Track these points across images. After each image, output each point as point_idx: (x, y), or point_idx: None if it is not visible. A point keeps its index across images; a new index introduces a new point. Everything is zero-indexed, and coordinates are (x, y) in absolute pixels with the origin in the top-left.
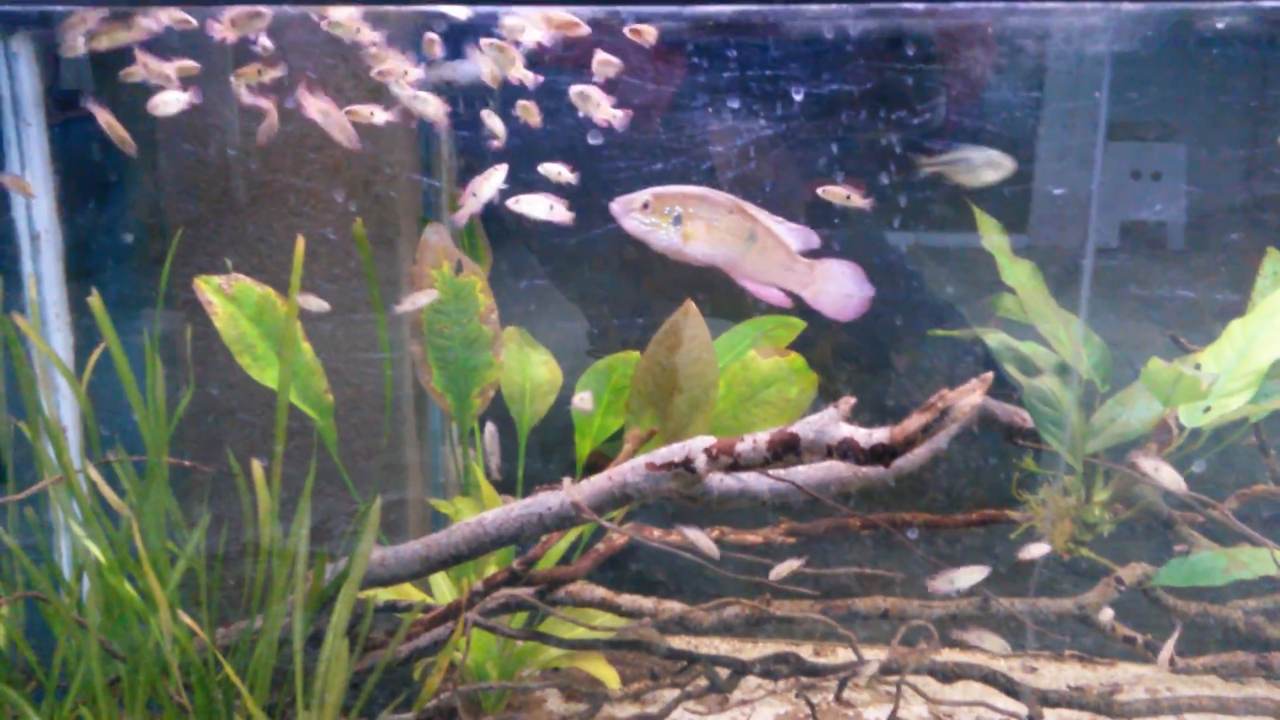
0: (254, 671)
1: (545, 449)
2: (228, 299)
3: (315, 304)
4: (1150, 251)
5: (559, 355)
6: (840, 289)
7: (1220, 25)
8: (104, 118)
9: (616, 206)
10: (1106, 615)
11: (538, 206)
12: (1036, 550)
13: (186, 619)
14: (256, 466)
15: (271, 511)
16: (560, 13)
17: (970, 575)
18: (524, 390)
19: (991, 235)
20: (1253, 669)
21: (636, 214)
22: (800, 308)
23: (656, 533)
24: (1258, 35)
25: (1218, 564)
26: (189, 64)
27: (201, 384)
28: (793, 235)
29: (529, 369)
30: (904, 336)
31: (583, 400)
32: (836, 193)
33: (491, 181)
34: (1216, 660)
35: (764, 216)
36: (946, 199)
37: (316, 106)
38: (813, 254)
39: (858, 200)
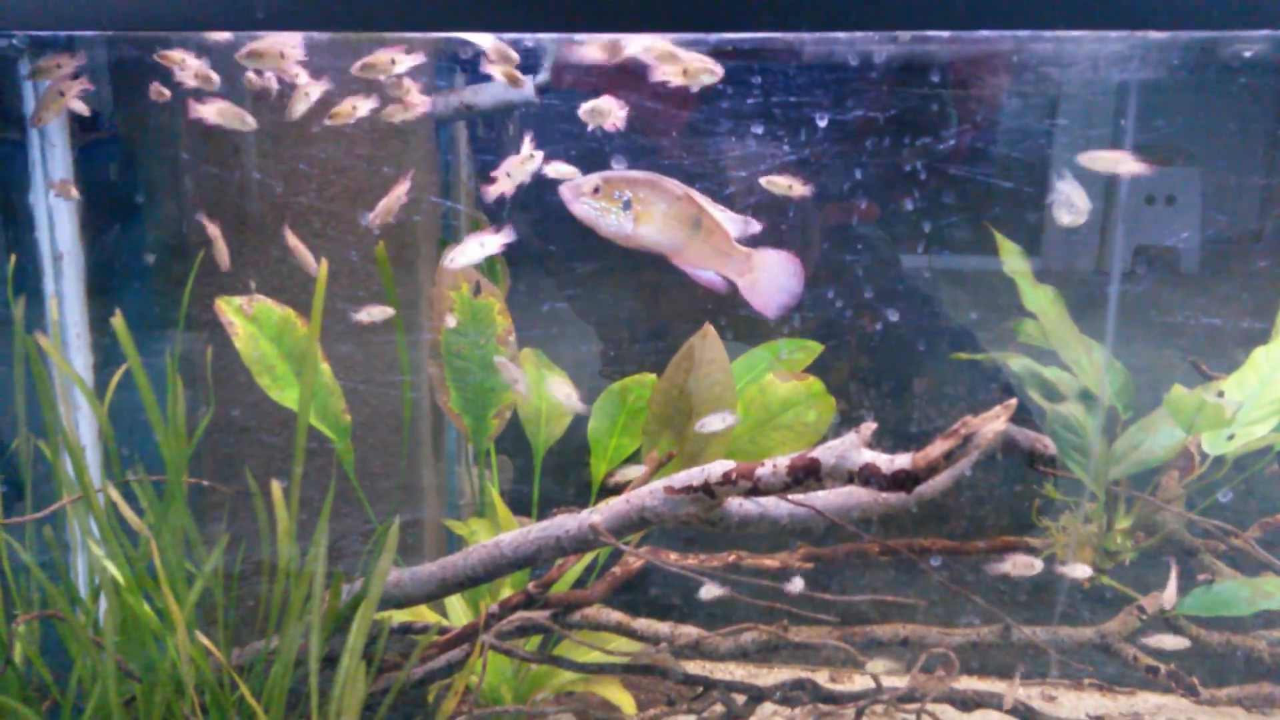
0: (269, 692)
1: (561, 471)
2: (248, 320)
3: (379, 313)
4: (1163, 276)
5: (576, 378)
6: (774, 280)
7: (1247, 54)
8: (213, 109)
9: (566, 191)
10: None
11: (471, 251)
12: (1079, 571)
13: (203, 639)
14: (276, 487)
15: (289, 532)
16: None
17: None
18: (540, 412)
19: (1013, 260)
20: (1279, 700)
21: (586, 198)
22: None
23: (673, 556)
24: (1274, 62)
25: (1242, 593)
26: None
27: (221, 404)
28: (732, 223)
29: (545, 390)
30: (921, 361)
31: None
32: (779, 183)
33: (527, 165)
34: (1241, 692)
35: (708, 203)
36: (962, 223)
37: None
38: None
39: (799, 189)
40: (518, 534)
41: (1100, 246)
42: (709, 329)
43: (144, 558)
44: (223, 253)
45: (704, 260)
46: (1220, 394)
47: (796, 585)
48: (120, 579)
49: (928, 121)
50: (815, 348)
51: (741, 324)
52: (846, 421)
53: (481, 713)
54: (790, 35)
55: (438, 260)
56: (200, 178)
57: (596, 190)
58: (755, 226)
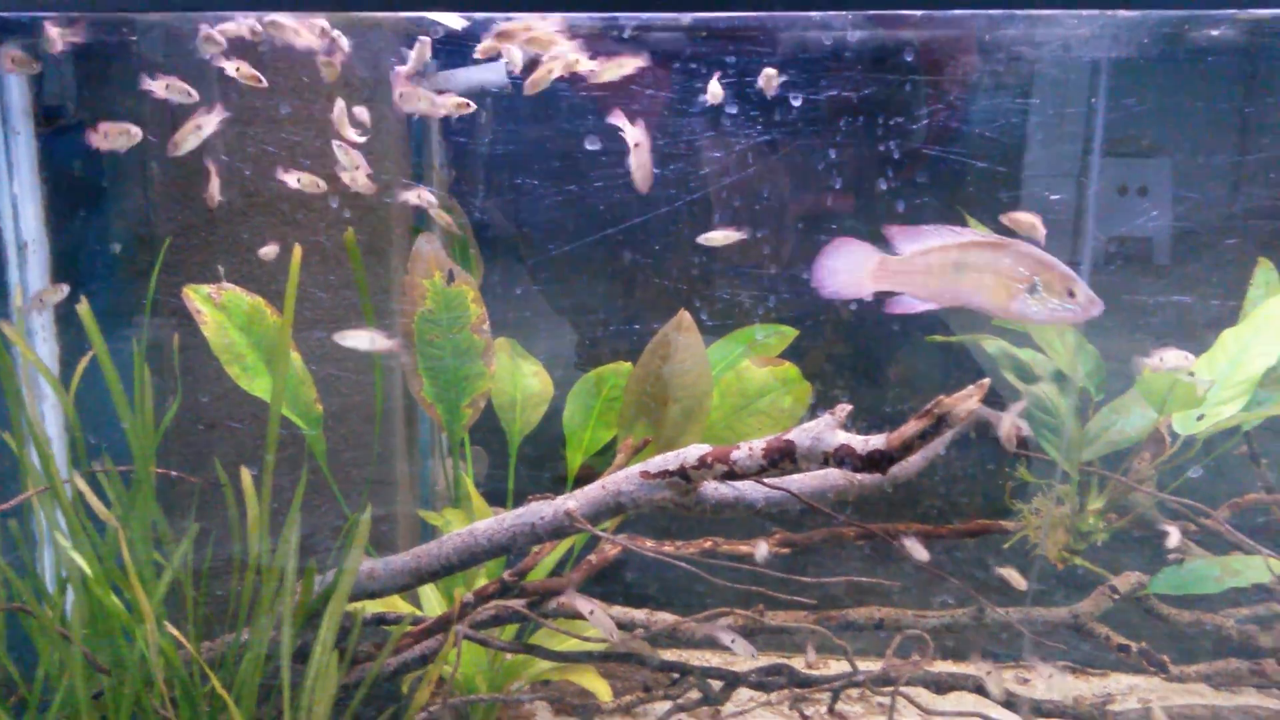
0: (240, 685)
1: (536, 460)
2: (217, 308)
3: (381, 343)
4: (1137, 265)
5: (552, 366)
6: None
7: (1214, 33)
8: (161, 84)
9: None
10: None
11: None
12: (1015, 579)
13: (173, 631)
14: (246, 476)
15: (260, 522)
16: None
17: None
18: (515, 401)
19: None
20: (1246, 676)
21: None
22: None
23: (649, 543)
24: (1244, 46)
25: (1211, 572)
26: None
27: (190, 394)
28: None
29: (520, 379)
30: (896, 344)
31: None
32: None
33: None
34: (1210, 668)
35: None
36: (938, 207)
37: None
38: None
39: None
40: (493, 521)
41: (1074, 236)
42: (684, 315)
43: (112, 550)
44: (214, 192)
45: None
46: (1190, 375)
47: (761, 551)
48: (88, 571)
49: (902, 104)
50: (790, 333)
51: (716, 311)
52: (823, 405)
53: (455, 702)
54: (763, 14)
55: (410, 247)
56: (167, 164)
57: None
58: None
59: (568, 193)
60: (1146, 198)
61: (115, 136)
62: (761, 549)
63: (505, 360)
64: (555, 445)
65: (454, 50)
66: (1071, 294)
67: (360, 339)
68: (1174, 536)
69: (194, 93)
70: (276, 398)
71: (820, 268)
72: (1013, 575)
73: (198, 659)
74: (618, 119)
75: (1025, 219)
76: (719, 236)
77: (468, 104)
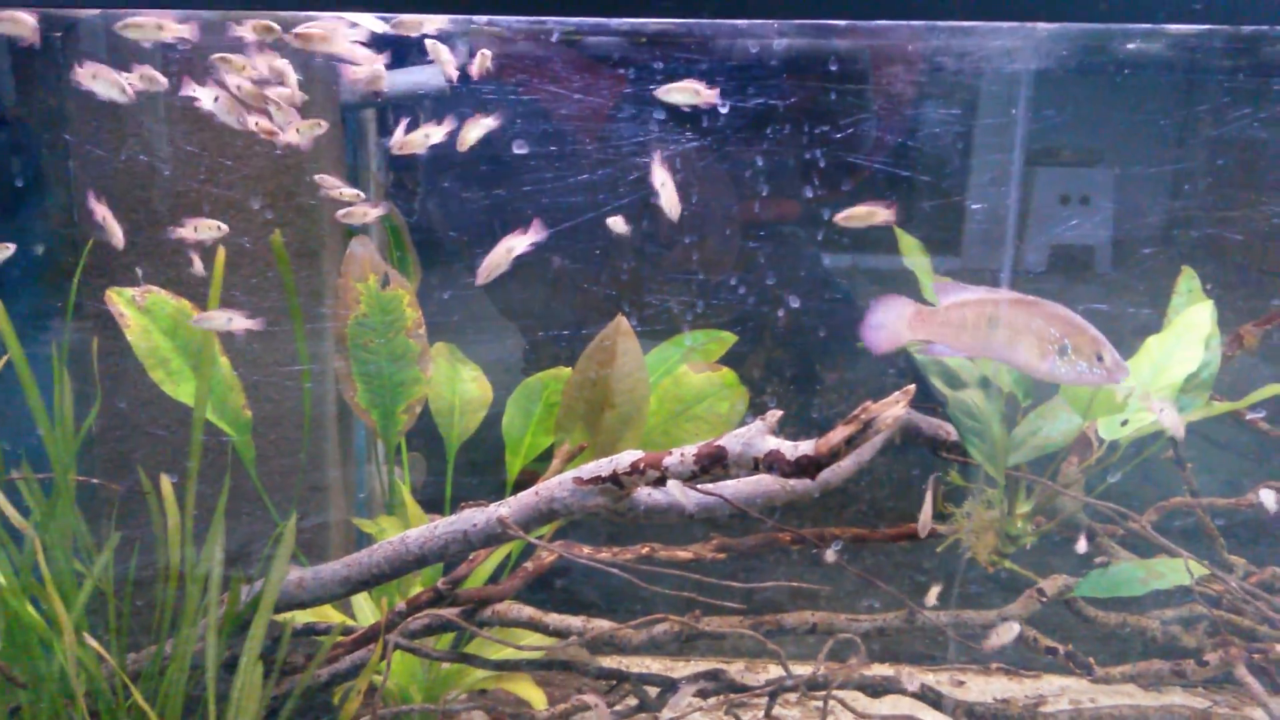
0: (164, 698)
1: (475, 467)
2: (141, 311)
3: (240, 323)
4: (1077, 274)
5: (496, 372)
6: None
7: (1130, 46)
8: (89, 71)
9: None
10: (1010, 632)
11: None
12: (931, 596)
13: (94, 644)
14: (166, 483)
15: (181, 529)
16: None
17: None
18: (453, 406)
19: (913, 255)
20: (1168, 676)
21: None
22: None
23: (586, 550)
24: (1179, 60)
25: (1136, 575)
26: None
27: (112, 400)
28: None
29: (458, 385)
30: (835, 352)
31: None
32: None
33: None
34: (1134, 669)
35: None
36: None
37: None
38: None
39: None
40: (424, 529)
41: (1017, 246)
42: (621, 320)
43: (30, 560)
44: (115, 234)
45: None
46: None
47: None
48: (3, 582)
49: (833, 112)
50: (728, 338)
51: (654, 316)
52: (760, 412)
53: (385, 712)
54: (691, 21)
55: (343, 250)
56: (89, 162)
57: (1064, 351)
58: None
59: (509, 196)
60: (1086, 205)
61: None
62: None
63: (444, 365)
64: (496, 451)
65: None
66: (1100, 358)
67: (217, 320)
68: (1081, 544)
69: (127, 86)
70: (200, 403)
71: (866, 325)
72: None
73: (120, 672)
74: (657, 170)
75: (862, 211)
76: (619, 222)
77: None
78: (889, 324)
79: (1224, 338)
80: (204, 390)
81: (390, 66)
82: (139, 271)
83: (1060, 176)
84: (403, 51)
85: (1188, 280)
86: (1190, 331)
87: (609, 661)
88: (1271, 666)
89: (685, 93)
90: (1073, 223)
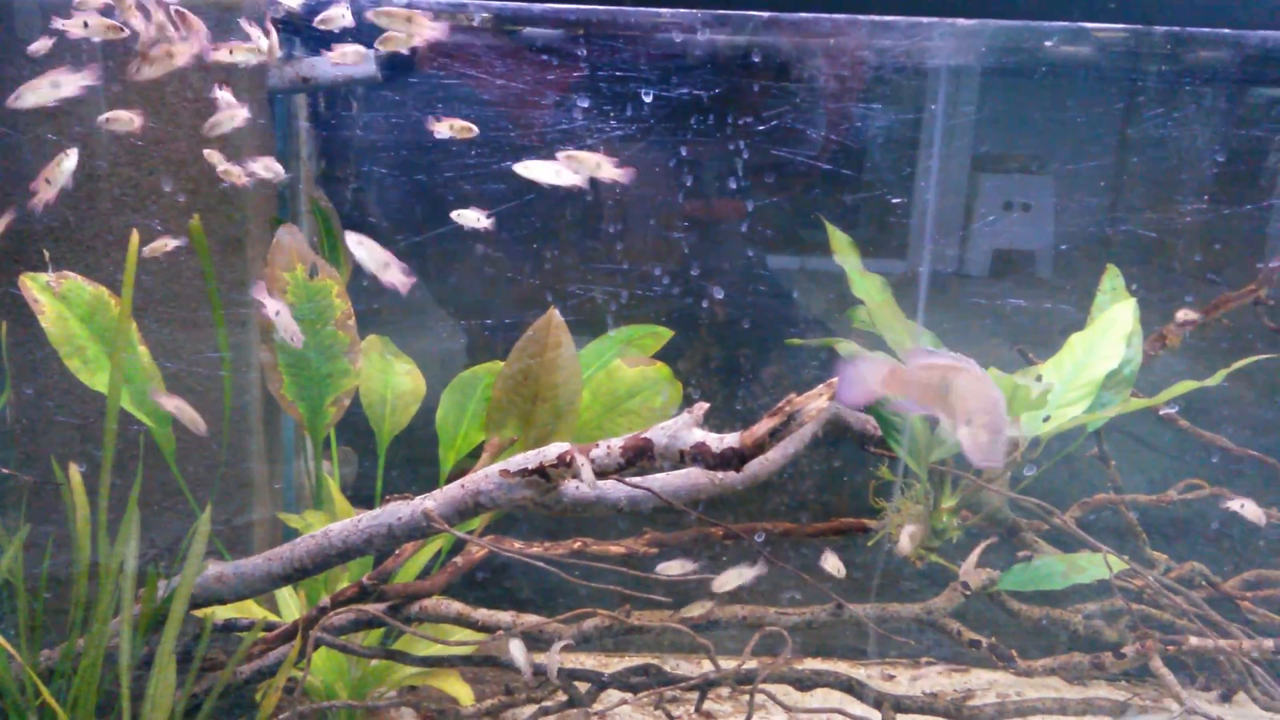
0: (76, 696)
1: (409, 462)
2: (56, 298)
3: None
4: (1017, 278)
5: (433, 366)
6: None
7: (1048, 44)
8: None
9: None
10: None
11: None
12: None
13: (1, 641)
14: (75, 472)
15: (92, 521)
16: None
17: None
18: (385, 400)
19: (843, 251)
20: (1088, 669)
21: None
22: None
23: (516, 545)
24: (1118, 65)
25: (1058, 569)
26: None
27: (25, 389)
28: None
29: (391, 378)
30: (773, 349)
31: None
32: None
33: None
34: (1055, 662)
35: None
36: (788, 208)
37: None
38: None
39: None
40: (348, 523)
41: (961, 251)
42: (554, 313)
43: None
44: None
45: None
46: (1039, 378)
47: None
48: None
49: (754, 105)
50: (665, 333)
51: (586, 310)
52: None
53: (306, 709)
54: (615, 9)
55: (270, 239)
56: (2, 145)
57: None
58: None
59: (444, 183)
60: (1025, 211)
61: None
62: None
63: (376, 358)
64: (430, 446)
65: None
66: (989, 437)
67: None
68: (978, 552)
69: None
70: (114, 390)
71: (843, 380)
72: (832, 561)
73: (29, 669)
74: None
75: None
76: (470, 216)
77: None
78: (865, 381)
79: (1148, 337)
80: (118, 377)
81: (315, 53)
82: (46, 253)
83: (1020, 186)
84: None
85: (1112, 279)
86: (1113, 328)
87: (542, 660)
88: (1187, 659)
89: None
90: (989, 219)
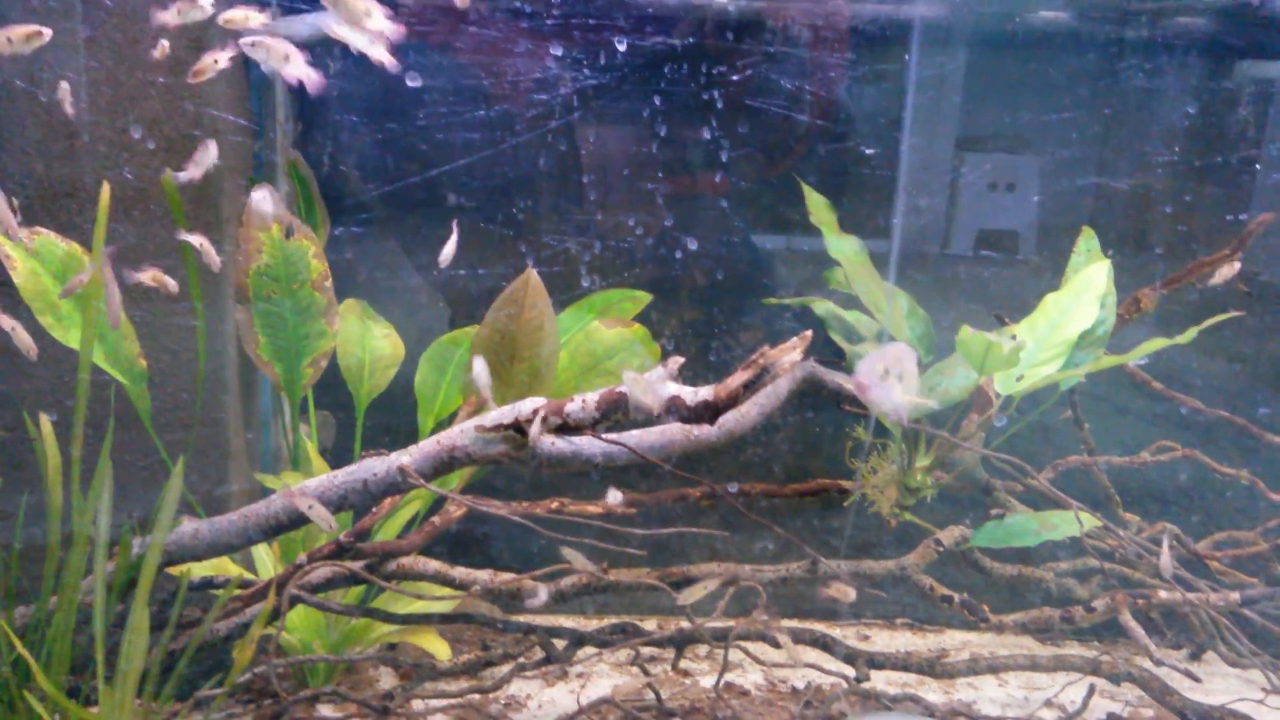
0: (48, 651)
1: (388, 426)
2: (29, 254)
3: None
4: (1001, 256)
5: (411, 329)
6: None
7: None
8: None
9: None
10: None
11: None
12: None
13: None
14: (45, 422)
15: (64, 474)
16: None
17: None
18: (363, 363)
19: (819, 211)
20: (1058, 624)
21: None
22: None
23: (495, 504)
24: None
25: (1030, 526)
26: None
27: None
28: None
29: (369, 341)
30: (752, 312)
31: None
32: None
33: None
34: (1025, 616)
35: None
36: (761, 160)
37: None
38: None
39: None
40: (323, 479)
41: (947, 230)
42: (531, 273)
43: None
44: None
45: None
46: (1013, 338)
47: (615, 497)
48: None
49: (727, 58)
50: (644, 297)
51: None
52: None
53: (281, 662)
54: None
55: (245, 199)
56: None
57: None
58: None
59: (428, 146)
60: (1010, 191)
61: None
62: (614, 495)
63: (354, 321)
64: (409, 411)
65: None
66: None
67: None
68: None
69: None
70: (87, 345)
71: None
72: (842, 590)
73: (2, 624)
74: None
75: None
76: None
77: None
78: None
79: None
80: (90, 331)
81: (289, 12)
82: (14, 201)
83: (1005, 166)
84: None
85: (1087, 240)
86: (1088, 289)
87: (524, 620)
88: (1157, 618)
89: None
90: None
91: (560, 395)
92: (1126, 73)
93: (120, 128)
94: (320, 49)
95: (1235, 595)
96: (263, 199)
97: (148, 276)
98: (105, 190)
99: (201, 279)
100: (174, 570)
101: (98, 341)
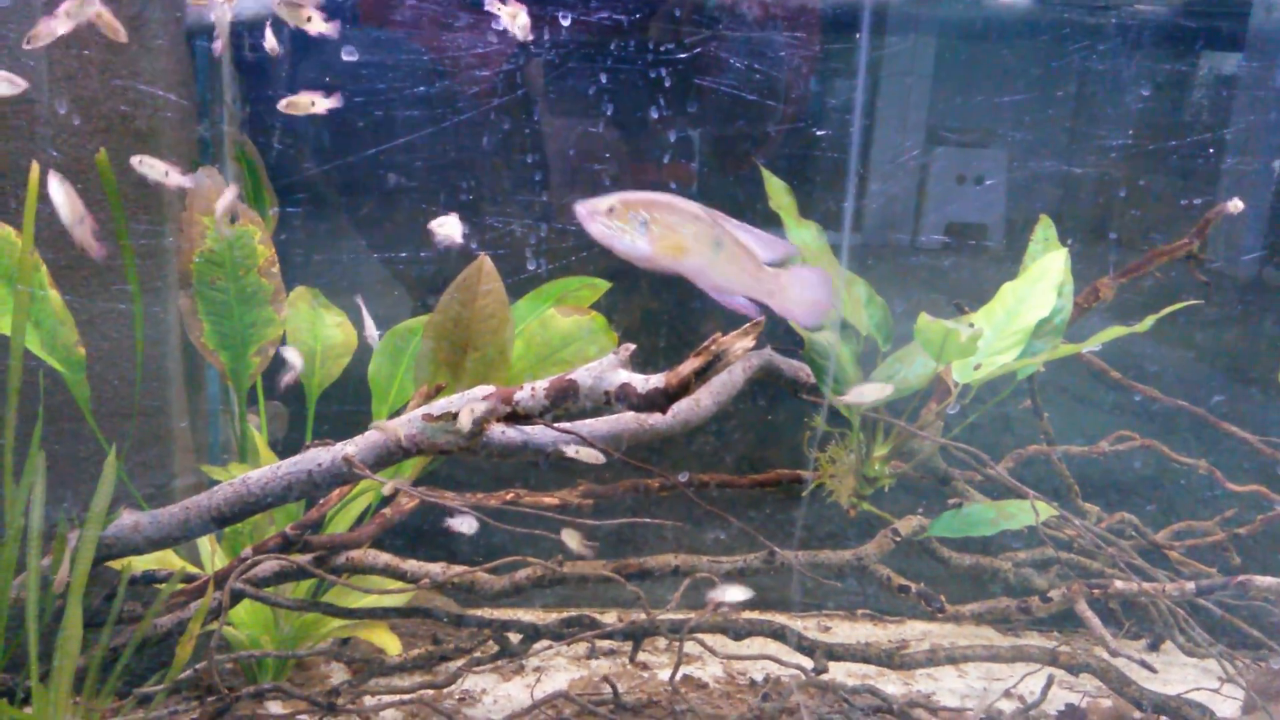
0: None
1: (341, 416)
2: None
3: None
4: (968, 248)
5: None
6: (807, 296)
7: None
8: None
9: (581, 209)
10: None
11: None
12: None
13: None
14: None
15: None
16: None
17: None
18: (315, 352)
19: (779, 197)
20: (1015, 614)
21: (601, 218)
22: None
23: (448, 495)
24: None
25: (987, 515)
26: None
27: None
28: (762, 244)
29: (320, 330)
30: (713, 300)
31: None
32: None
33: None
34: (983, 607)
35: (732, 225)
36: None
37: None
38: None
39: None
40: (267, 470)
41: (915, 222)
42: (484, 260)
43: None
44: None
45: (729, 283)
46: (971, 326)
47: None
48: None
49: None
50: (602, 285)
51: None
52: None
53: (224, 658)
54: None
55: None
56: None
57: (611, 210)
58: (790, 249)
59: (381, 130)
60: (977, 184)
61: None
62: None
63: (305, 310)
64: (363, 401)
65: None
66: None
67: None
68: (903, 527)
69: None
70: (18, 329)
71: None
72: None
73: None
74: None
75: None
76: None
77: None
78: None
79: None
80: (21, 316)
81: None
82: None
83: (973, 159)
84: None
85: (1045, 229)
86: (1045, 277)
87: (483, 614)
88: (1115, 608)
89: None
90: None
91: (515, 384)
92: (1087, 58)
93: (55, 107)
94: (271, 29)
95: (1191, 585)
96: (208, 181)
97: None
98: (34, 170)
99: (143, 264)
100: (115, 564)
101: (34, 328)
